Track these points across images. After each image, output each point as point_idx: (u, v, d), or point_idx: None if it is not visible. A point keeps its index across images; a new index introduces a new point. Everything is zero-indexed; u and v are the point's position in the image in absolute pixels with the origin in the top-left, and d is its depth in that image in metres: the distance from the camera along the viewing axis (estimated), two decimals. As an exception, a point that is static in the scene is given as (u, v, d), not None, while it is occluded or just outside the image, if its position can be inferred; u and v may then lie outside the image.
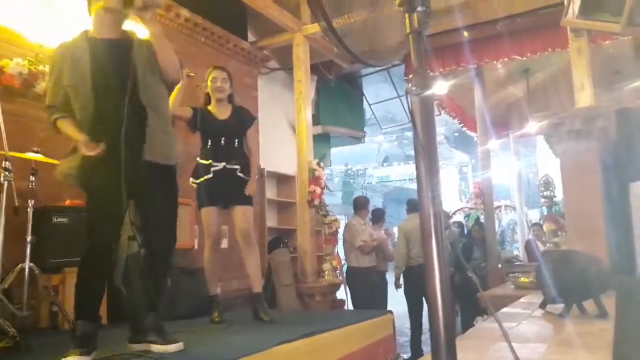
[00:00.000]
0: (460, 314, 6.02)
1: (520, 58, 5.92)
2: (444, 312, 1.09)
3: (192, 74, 3.31)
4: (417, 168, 1.12)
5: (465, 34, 5.83)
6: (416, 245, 5.88)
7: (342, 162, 17.16)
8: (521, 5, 5.54)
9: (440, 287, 1.13)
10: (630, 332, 2.85)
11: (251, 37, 6.09)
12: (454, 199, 16.41)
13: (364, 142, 9.51)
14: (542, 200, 5.33)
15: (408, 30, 1.19)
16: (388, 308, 5.21)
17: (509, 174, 9.88)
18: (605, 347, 1.69)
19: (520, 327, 2.19)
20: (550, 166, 7.55)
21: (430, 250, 1.16)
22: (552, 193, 5.28)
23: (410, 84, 1.12)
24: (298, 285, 5.10)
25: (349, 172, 18.24)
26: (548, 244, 5.05)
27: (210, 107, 3.34)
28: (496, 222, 10.21)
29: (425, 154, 1.09)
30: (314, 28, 5.49)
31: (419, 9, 1.16)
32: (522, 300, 2.98)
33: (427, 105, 1.11)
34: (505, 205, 9.80)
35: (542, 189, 5.24)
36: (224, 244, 4.12)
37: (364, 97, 8.29)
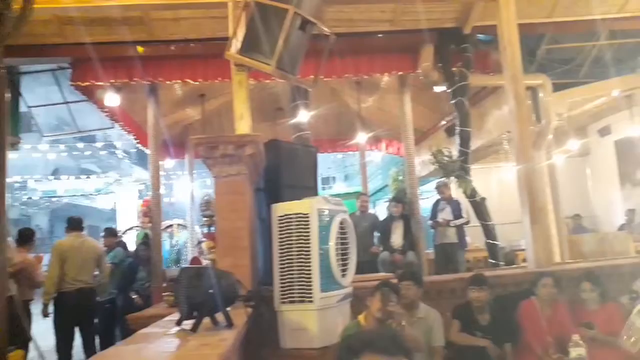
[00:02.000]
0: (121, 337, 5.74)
1: (192, 82, 6.17)
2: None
3: None
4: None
5: (140, 49, 5.74)
6: (74, 267, 5.37)
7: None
8: (195, 32, 5.79)
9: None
10: (261, 332, 3.16)
11: None
12: (131, 216, 15.84)
13: (19, 150, 8.22)
14: (204, 219, 5.62)
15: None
16: (32, 341, 4.56)
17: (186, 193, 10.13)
18: (216, 356, 1.79)
19: (151, 347, 2.15)
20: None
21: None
22: (211, 212, 5.63)
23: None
24: None
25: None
26: (206, 261, 5.34)
27: None
28: (172, 240, 10.29)
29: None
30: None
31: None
32: (166, 318, 2.98)
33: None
34: (178, 224, 9.97)
35: (203, 208, 5.52)
36: None
37: (20, 97, 7.18)
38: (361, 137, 9.48)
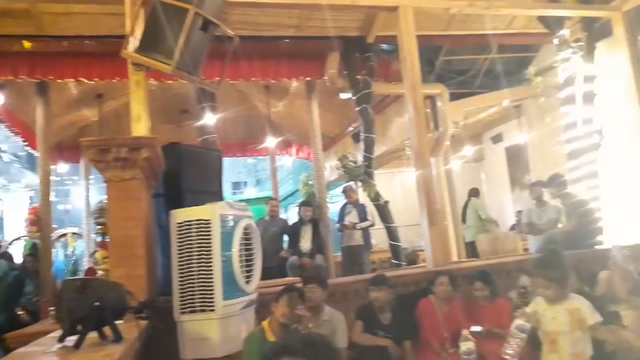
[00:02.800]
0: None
1: (87, 81, 5.79)
2: None
3: None
4: None
5: (26, 44, 5.28)
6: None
7: None
8: (90, 29, 5.43)
9: None
10: (159, 345, 3.00)
11: None
12: (21, 226, 14.52)
13: None
14: (97, 227, 5.25)
15: None
16: None
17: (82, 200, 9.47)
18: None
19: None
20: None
21: None
22: (105, 219, 5.27)
23: None
24: None
25: None
26: (100, 271, 5.00)
27: None
28: (67, 250, 9.54)
29: None
30: None
31: None
32: (49, 335, 2.73)
33: None
34: (73, 233, 9.28)
35: (97, 215, 5.16)
36: None
37: None
38: (271, 141, 9.45)
